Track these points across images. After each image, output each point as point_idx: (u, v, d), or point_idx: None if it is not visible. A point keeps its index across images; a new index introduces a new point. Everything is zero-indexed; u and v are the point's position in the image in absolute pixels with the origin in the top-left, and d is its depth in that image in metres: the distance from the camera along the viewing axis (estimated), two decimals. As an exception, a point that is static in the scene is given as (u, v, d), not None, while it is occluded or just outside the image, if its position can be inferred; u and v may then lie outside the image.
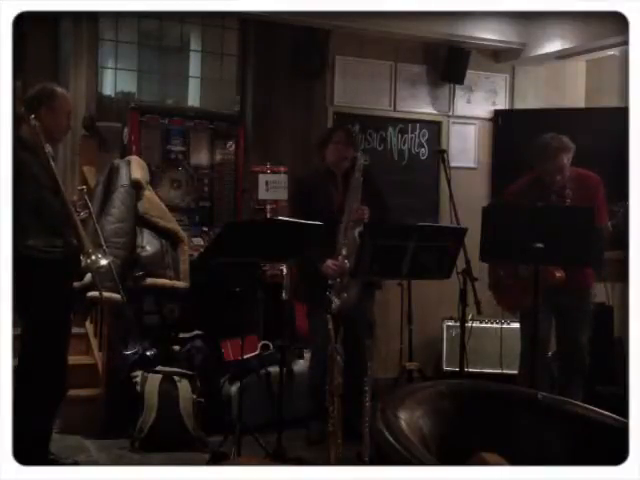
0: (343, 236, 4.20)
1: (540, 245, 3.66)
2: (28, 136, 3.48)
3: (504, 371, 5.19)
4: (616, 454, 1.99)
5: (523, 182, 4.39)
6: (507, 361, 5.09)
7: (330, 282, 4.15)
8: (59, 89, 3.72)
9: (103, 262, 3.50)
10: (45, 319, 3.53)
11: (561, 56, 5.99)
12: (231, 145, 5.57)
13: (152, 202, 4.59)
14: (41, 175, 3.51)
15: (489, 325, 5.55)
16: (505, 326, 5.49)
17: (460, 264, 3.92)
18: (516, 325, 5.36)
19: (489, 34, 5.96)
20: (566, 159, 4.20)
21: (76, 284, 3.91)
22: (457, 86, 6.21)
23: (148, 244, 4.44)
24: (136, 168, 4.61)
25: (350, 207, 4.23)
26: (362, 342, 4.26)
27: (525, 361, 4.34)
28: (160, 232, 4.54)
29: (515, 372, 4.80)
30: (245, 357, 4.33)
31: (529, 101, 6.44)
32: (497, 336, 5.43)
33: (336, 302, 4.12)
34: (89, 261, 3.45)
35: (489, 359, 5.37)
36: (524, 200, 4.23)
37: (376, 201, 4.33)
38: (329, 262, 4.18)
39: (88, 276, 4.09)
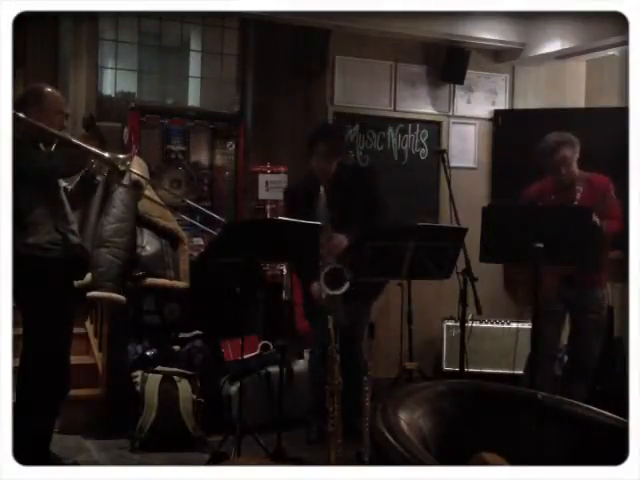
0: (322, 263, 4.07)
1: (540, 245, 3.66)
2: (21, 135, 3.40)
3: (504, 371, 5.20)
4: (616, 454, 1.99)
5: (538, 186, 4.38)
6: (507, 361, 5.09)
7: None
8: (48, 89, 3.64)
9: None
10: (47, 318, 3.52)
11: (561, 56, 5.99)
12: (231, 145, 5.58)
13: (152, 202, 4.59)
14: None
15: (489, 325, 5.56)
16: (505, 326, 5.50)
17: (460, 264, 3.92)
18: (516, 325, 5.37)
19: (489, 34, 5.96)
20: (569, 152, 4.21)
21: (76, 283, 3.90)
22: (457, 86, 6.21)
23: (148, 244, 4.44)
24: (136, 168, 4.60)
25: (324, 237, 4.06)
26: (357, 344, 4.26)
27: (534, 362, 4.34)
28: (160, 232, 4.54)
29: (515, 372, 4.80)
30: (245, 357, 4.33)
31: (529, 101, 6.44)
32: (497, 336, 5.44)
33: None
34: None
35: (489, 359, 5.37)
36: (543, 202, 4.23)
37: (372, 206, 4.25)
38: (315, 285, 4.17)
39: (88, 275, 4.09)
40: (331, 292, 3.91)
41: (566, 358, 4.62)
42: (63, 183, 3.67)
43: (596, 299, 4.33)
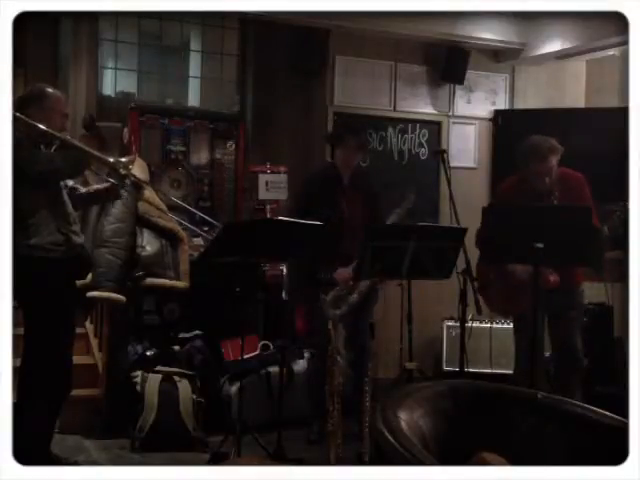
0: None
1: (540, 245, 3.66)
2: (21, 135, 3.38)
3: (504, 371, 5.20)
4: (616, 454, 1.99)
5: (512, 181, 4.38)
6: (507, 361, 5.09)
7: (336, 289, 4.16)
8: (50, 90, 3.61)
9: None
10: (50, 318, 3.52)
11: (561, 56, 5.99)
12: (231, 145, 5.58)
13: (152, 202, 4.59)
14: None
15: (489, 325, 5.55)
16: (505, 326, 5.49)
17: (460, 264, 3.92)
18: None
19: (489, 34, 5.96)
20: (555, 161, 4.19)
21: (77, 283, 3.90)
22: (457, 86, 6.21)
23: (148, 244, 4.44)
24: (136, 168, 4.60)
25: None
26: (366, 344, 4.29)
27: (519, 361, 4.34)
28: (160, 232, 4.54)
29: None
30: (245, 357, 4.33)
31: (529, 101, 6.44)
32: (497, 336, 5.44)
33: (338, 310, 4.14)
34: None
35: (489, 359, 5.37)
36: (512, 200, 4.22)
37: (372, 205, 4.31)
38: (341, 270, 4.16)
39: (89, 275, 4.09)
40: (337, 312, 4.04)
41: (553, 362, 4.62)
42: (70, 182, 3.67)
43: (573, 298, 4.32)
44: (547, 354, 4.66)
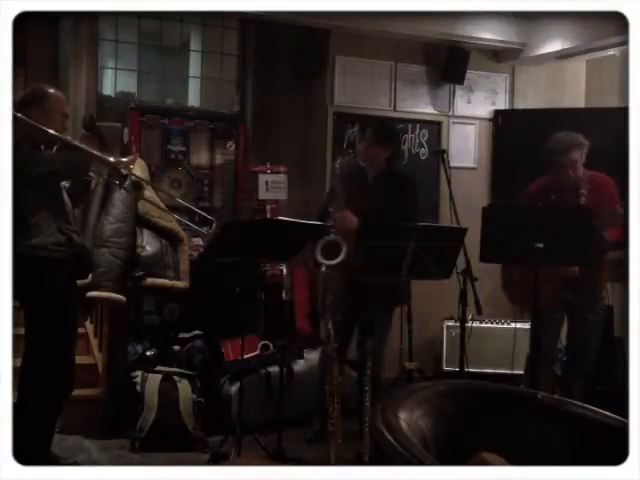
0: None
1: (540, 245, 3.66)
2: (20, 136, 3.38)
3: (504, 371, 5.20)
4: (616, 454, 1.99)
5: (541, 182, 4.37)
6: (507, 361, 5.09)
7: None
8: (51, 90, 3.61)
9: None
10: (51, 318, 3.52)
11: (561, 56, 5.99)
12: (231, 145, 5.58)
13: (152, 202, 4.59)
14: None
15: (489, 325, 5.55)
16: (505, 326, 5.50)
17: (460, 264, 3.92)
18: (516, 325, 5.38)
19: (489, 34, 5.96)
20: (578, 154, 4.19)
21: (78, 282, 3.90)
22: (457, 86, 6.21)
23: (148, 244, 4.44)
24: (136, 168, 4.60)
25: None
26: (379, 343, 4.29)
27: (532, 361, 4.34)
28: (160, 232, 4.54)
29: (516, 372, 4.80)
30: (245, 357, 4.33)
31: (529, 101, 6.44)
32: (497, 336, 5.44)
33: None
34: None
35: (489, 359, 5.37)
36: (544, 200, 4.21)
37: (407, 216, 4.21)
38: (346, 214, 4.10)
39: (90, 276, 4.10)
40: (327, 262, 3.87)
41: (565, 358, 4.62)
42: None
43: (594, 300, 4.32)
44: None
